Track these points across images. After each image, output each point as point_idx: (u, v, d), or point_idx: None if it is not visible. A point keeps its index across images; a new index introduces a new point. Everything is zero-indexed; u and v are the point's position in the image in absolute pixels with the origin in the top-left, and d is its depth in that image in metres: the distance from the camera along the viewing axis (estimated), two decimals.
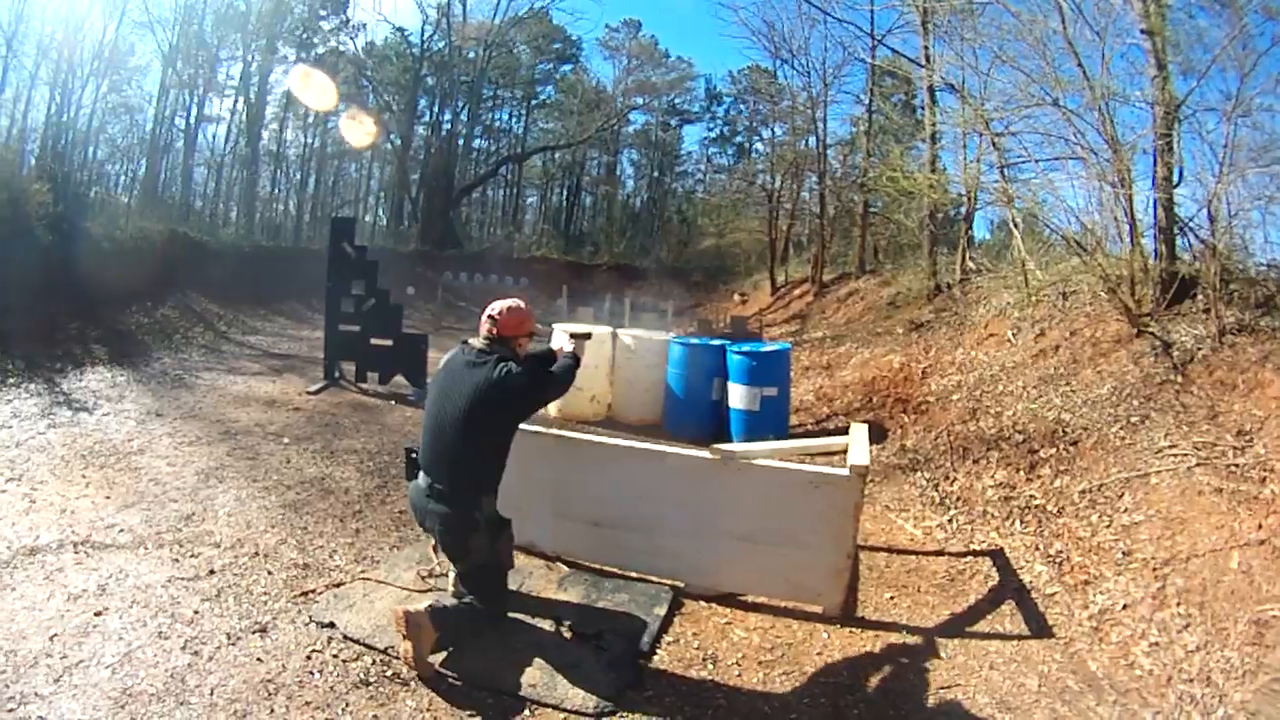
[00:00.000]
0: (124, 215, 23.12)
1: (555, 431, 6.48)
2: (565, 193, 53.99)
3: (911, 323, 15.84)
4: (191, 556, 5.92)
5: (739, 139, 50.08)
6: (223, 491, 7.40)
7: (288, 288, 24.21)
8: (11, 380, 10.86)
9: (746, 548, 5.76)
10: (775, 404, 10.65)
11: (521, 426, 5.08)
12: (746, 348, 11.01)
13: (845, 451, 6.26)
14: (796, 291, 28.50)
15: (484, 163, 48.05)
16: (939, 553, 7.12)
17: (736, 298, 31.86)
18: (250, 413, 10.63)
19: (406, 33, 42.61)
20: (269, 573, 5.76)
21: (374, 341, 12.62)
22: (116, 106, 34.85)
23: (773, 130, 36.14)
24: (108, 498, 7.03)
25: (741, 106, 49.25)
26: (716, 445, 6.13)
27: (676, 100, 49.63)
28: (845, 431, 7.41)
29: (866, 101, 26.20)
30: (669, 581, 5.98)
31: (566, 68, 50.90)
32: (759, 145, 46.11)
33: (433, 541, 5.36)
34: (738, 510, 5.80)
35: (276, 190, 44.34)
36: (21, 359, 11.60)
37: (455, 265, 31.02)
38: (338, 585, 5.66)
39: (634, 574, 6.08)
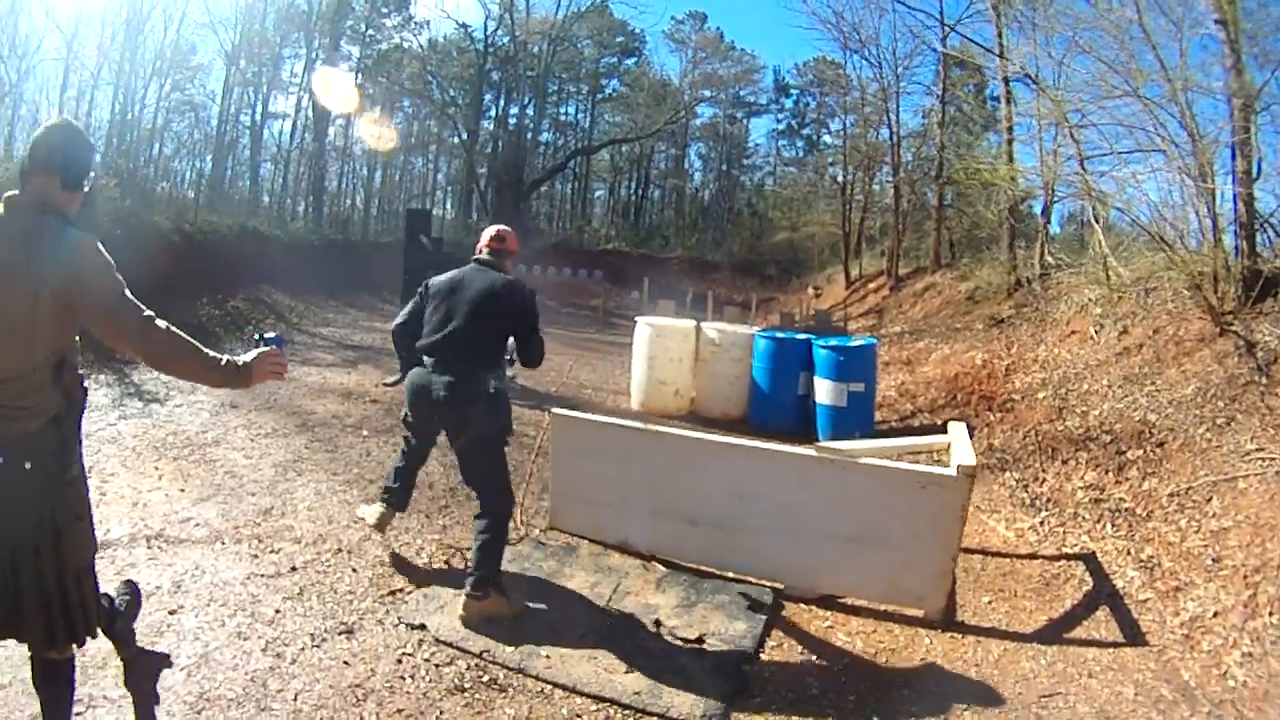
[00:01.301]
0: (192, 209, 23.13)
1: (654, 427, 6.28)
2: (633, 186, 53.96)
3: (992, 318, 15.43)
4: (271, 552, 5.76)
5: (807, 131, 49.42)
6: (302, 485, 7.27)
7: (359, 281, 24.46)
8: (81, 371, 10.54)
9: (848, 549, 5.54)
10: (861, 400, 10.52)
11: (619, 422, 5.04)
12: (833, 342, 10.81)
13: (946, 450, 6.03)
14: (871, 285, 28.11)
15: (552, 157, 48.09)
16: (1032, 556, 6.92)
17: (810, 291, 31.41)
18: (327, 404, 10.55)
19: (470, 29, 42.78)
20: (354, 570, 5.59)
21: None
22: (181, 104, 35.49)
23: (844, 122, 35.52)
24: (182, 490, 6.89)
25: (809, 99, 48.61)
26: (820, 443, 5.90)
27: (743, 93, 49.25)
28: (938, 430, 7.17)
29: (939, 92, 25.83)
30: (768, 583, 5.77)
31: (630, 61, 50.88)
32: (827, 138, 45.84)
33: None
34: (840, 510, 5.58)
35: (344, 185, 44.99)
36: (91, 350, 11.12)
37: (527, 259, 30.43)
38: (427, 585, 5.48)
39: (732, 574, 5.87)
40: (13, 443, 2.89)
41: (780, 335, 11.38)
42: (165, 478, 7.19)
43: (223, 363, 3.21)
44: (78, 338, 3.13)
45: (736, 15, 66.18)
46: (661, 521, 6.07)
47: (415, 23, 43.31)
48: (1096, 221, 11.79)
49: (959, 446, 5.82)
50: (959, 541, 5.47)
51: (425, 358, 5.28)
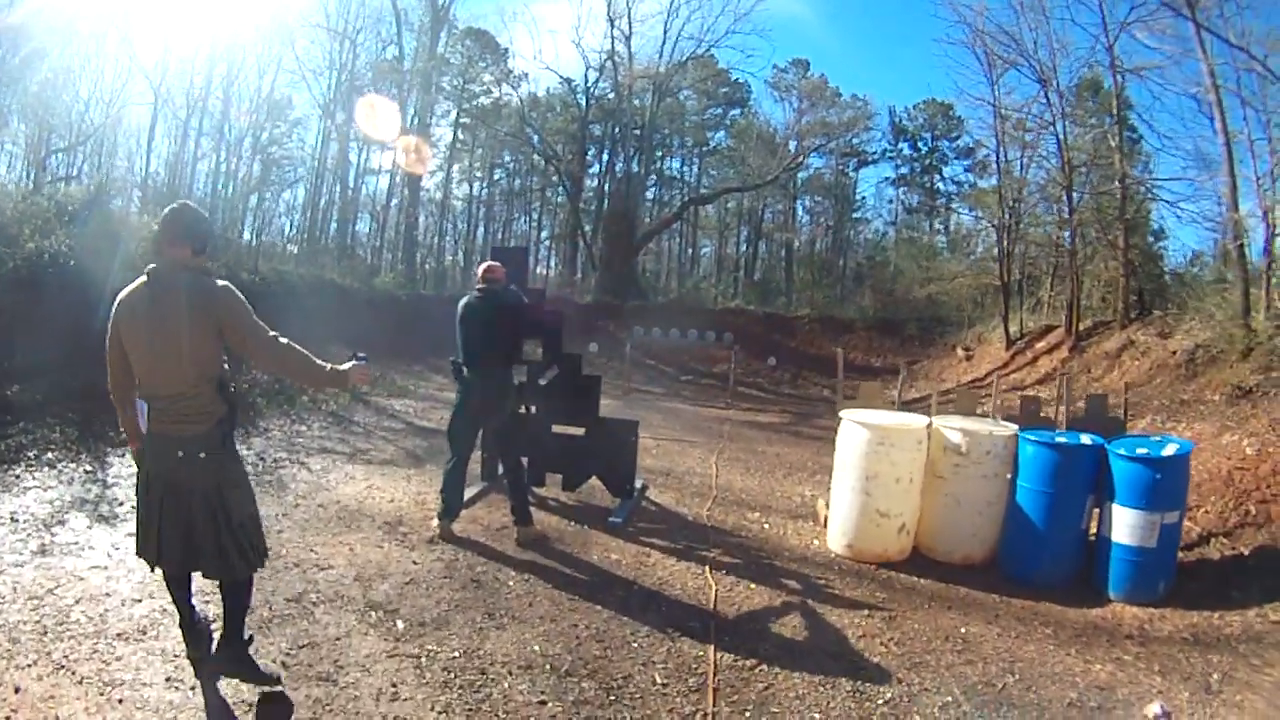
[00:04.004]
0: (251, 257, 20.80)
1: None
2: (740, 242, 53.25)
3: (1237, 388, 12.50)
4: None
5: (924, 179, 48.67)
6: None
7: (449, 341, 21.44)
8: (50, 454, 8.10)
9: None
10: (1173, 534, 6.92)
11: None
12: (1142, 449, 6.94)
13: None
14: (1040, 345, 24.41)
15: (658, 214, 46.99)
16: None
17: (960, 352, 27.46)
18: (357, 547, 6.82)
19: (572, 83, 42.29)
20: None
21: (557, 430, 8.90)
22: (278, 158, 38.49)
23: (999, 154, 31.67)
24: None
25: (924, 143, 48.35)
26: None
27: (855, 140, 47.57)
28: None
29: (1114, 111, 23.36)
30: None
31: (735, 112, 50.44)
32: (940, 185, 47.18)
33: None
34: None
35: (443, 240, 47.04)
36: (76, 425, 8.70)
37: (643, 319, 27.57)
38: None
39: None
40: (192, 439, 4.08)
41: (1060, 439, 7.43)
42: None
43: (328, 369, 4.36)
44: (225, 360, 4.27)
45: (840, 61, 68.66)
46: None
47: (514, 76, 43.94)
48: None
49: None
50: None
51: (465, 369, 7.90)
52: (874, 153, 48.84)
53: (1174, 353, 16.41)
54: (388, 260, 38.62)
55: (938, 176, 47.38)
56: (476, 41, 42.59)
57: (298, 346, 4.23)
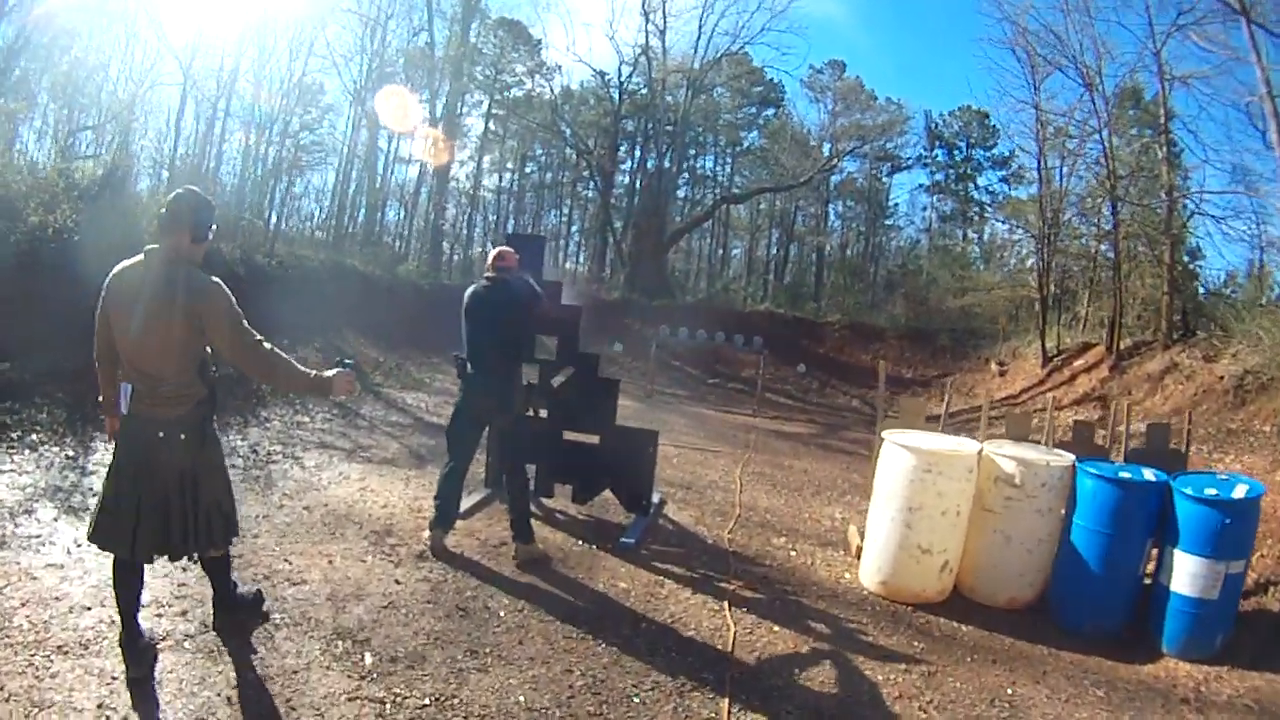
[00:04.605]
0: (267, 240, 20.12)
1: None
2: (772, 245, 52.40)
3: None
4: None
5: (957, 187, 47.76)
6: None
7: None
8: (34, 436, 7.64)
9: None
10: (1235, 586, 6.21)
11: None
12: (1211, 490, 6.21)
13: None
14: (1078, 363, 23.29)
15: (689, 212, 46.46)
16: None
17: (994, 367, 26.64)
18: (337, 559, 6.18)
19: (605, 76, 41.78)
20: None
21: (569, 437, 8.28)
22: (307, 144, 36.89)
23: (1039, 160, 30.72)
24: None
25: (959, 150, 47.69)
26: None
27: (889, 144, 46.71)
28: None
29: (1158, 121, 22.48)
30: None
31: (769, 112, 49.74)
32: (981, 191, 46.28)
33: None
34: None
35: (472, 231, 46.42)
36: (65, 407, 8.21)
37: (670, 318, 26.73)
38: None
39: None
40: (173, 420, 4.21)
41: (1123, 475, 6.63)
42: None
43: (311, 375, 4.46)
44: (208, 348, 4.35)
45: (876, 63, 68.44)
46: None
47: (546, 68, 43.73)
48: None
49: None
50: None
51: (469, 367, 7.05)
52: (908, 158, 48.23)
53: (1221, 378, 15.49)
54: (415, 249, 38.22)
55: (972, 185, 46.77)
56: (509, 32, 42.36)
57: (281, 353, 4.36)
